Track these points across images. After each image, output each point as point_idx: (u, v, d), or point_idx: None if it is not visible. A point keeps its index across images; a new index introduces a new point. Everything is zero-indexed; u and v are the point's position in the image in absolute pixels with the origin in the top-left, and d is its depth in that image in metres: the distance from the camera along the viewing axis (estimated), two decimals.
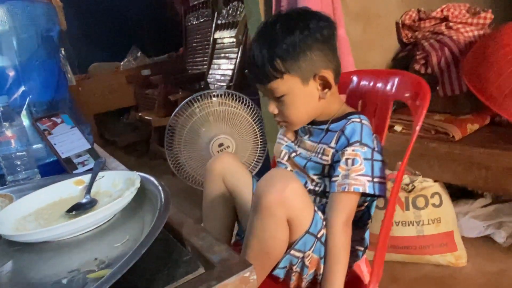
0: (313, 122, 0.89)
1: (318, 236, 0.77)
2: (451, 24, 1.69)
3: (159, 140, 3.12)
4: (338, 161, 0.80)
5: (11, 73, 0.90)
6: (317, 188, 0.86)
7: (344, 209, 0.78)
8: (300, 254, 0.77)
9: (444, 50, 1.61)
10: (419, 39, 1.73)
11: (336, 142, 0.82)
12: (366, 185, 0.76)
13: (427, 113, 1.76)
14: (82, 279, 0.46)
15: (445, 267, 1.46)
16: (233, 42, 2.78)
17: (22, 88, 0.91)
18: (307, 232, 0.76)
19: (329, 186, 0.83)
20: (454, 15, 1.70)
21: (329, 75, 0.81)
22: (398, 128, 1.71)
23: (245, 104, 1.91)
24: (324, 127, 0.86)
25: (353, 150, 0.78)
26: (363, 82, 0.98)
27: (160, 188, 0.62)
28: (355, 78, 1.00)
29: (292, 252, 0.77)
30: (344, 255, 0.78)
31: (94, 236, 0.57)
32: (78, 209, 0.63)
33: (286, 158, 0.93)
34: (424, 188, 1.46)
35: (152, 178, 0.67)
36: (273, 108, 0.85)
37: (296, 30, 0.77)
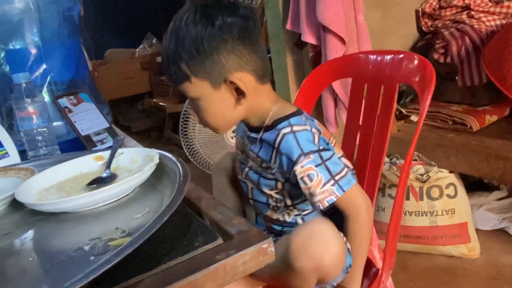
0: (249, 126, 0.80)
1: (348, 267, 0.75)
2: (473, 13, 1.65)
3: (173, 127, 3.15)
4: (288, 179, 0.76)
5: (33, 51, 0.91)
6: (279, 204, 0.82)
7: (351, 207, 0.74)
8: (330, 287, 0.75)
9: (464, 39, 1.58)
10: (439, 28, 1.70)
11: (276, 162, 0.74)
12: (334, 190, 0.70)
13: (444, 103, 1.75)
14: (104, 246, 0.48)
15: (457, 259, 1.45)
16: None
17: (44, 66, 0.93)
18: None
19: (289, 199, 0.80)
20: (477, 3, 1.66)
21: (244, 79, 0.70)
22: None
23: None
24: (258, 136, 0.77)
25: (302, 167, 0.70)
26: (369, 64, 0.95)
27: (178, 164, 0.63)
28: (361, 60, 0.98)
29: (322, 285, 0.74)
30: (367, 244, 0.77)
31: (114, 208, 0.59)
32: (98, 182, 0.65)
33: (244, 175, 0.85)
34: (439, 179, 1.44)
35: (170, 155, 0.69)
36: (192, 112, 0.78)
37: (202, 28, 0.67)
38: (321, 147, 0.72)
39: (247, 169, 0.83)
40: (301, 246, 0.66)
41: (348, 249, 0.74)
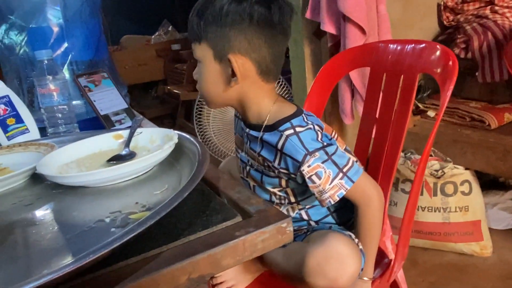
0: (248, 124, 0.79)
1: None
2: (496, 8, 1.61)
3: (185, 114, 3.16)
4: (291, 178, 0.75)
5: (55, 29, 0.92)
6: (283, 201, 0.82)
7: (362, 196, 0.74)
8: None
9: (487, 35, 1.54)
10: (461, 22, 1.67)
11: (280, 163, 0.74)
12: (343, 183, 0.70)
13: (463, 100, 1.73)
14: (124, 219, 0.48)
15: (468, 256, 1.44)
16: None
17: (65, 45, 0.93)
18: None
19: (293, 196, 0.80)
20: None
21: (245, 65, 0.70)
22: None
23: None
24: (258, 135, 0.76)
25: (309, 166, 0.69)
26: (389, 53, 0.93)
27: (197, 144, 0.63)
28: (380, 49, 0.96)
29: None
30: (378, 232, 0.77)
31: (134, 184, 0.59)
32: (118, 159, 0.65)
33: (245, 173, 0.84)
34: (454, 175, 1.43)
35: (188, 136, 0.69)
36: (194, 72, 0.77)
37: (229, 0, 0.68)
38: (325, 143, 0.72)
39: (248, 167, 0.82)
40: (316, 266, 0.66)
41: (363, 255, 0.74)
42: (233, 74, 0.71)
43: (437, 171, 1.44)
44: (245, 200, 0.51)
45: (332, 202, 0.71)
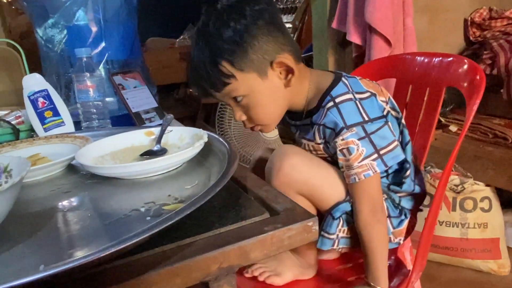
0: (292, 116, 0.82)
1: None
2: None
3: (205, 117, 3.21)
4: (331, 155, 0.77)
5: (94, 29, 0.97)
6: None
7: (363, 198, 0.73)
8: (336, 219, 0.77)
9: None
10: (487, 38, 1.66)
11: (321, 136, 0.76)
12: (374, 166, 0.70)
13: (486, 116, 1.71)
14: (158, 209, 0.51)
15: (485, 274, 1.42)
16: (289, 27, 2.79)
17: (103, 45, 0.98)
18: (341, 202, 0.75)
19: None
20: None
21: (287, 58, 0.72)
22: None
23: None
24: (308, 121, 0.78)
25: (342, 140, 0.71)
26: (415, 65, 0.94)
27: (225, 143, 0.66)
28: (406, 61, 0.97)
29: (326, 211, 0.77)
30: (380, 245, 0.75)
31: (165, 178, 0.62)
32: (150, 154, 0.69)
33: None
34: (474, 191, 1.42)
35: (216, 136, 0.72)
36: (240, 115, 0.76)
37: (235, 23, 0.68)
38: (366, 118, 0.71)
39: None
40: (267, 170, 0.75)
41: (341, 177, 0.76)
42: (285, 75, 0.74)
43: (457, 186, 1.43)
44: (272, 198, 0.53)
45: (357, 180, 0.71)
